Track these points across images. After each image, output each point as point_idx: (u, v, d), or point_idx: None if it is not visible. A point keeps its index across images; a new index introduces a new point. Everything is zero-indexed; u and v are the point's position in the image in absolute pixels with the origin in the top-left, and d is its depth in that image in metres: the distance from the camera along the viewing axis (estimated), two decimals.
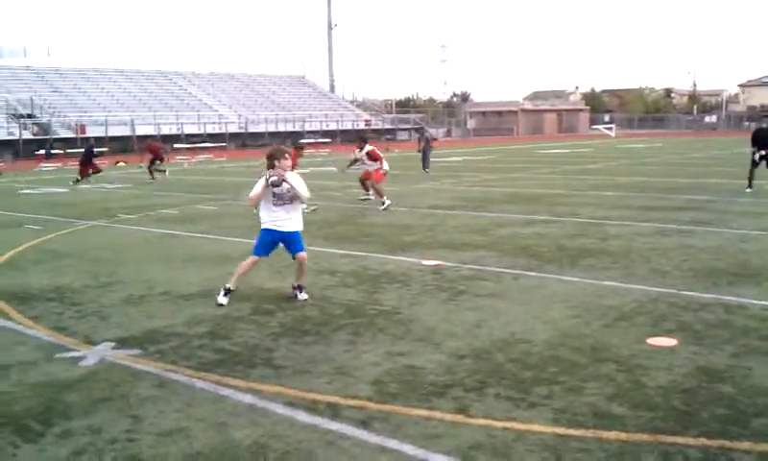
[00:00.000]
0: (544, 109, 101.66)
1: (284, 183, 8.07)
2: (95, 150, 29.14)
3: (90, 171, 26.45)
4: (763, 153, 19.21)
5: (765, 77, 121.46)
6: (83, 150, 29.05)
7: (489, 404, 5.19)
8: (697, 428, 4.72)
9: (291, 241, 8.36)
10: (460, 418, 4.96)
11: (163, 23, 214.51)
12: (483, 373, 5.82)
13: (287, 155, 8.37)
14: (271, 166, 8.18)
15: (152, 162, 27.92)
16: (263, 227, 8.37)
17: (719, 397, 5.25)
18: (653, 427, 4.74)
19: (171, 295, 8.69)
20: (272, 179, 8.03)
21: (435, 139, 30.53)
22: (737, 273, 9.27)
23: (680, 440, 4.56)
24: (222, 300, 8.17)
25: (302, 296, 8.38)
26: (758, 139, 19.49)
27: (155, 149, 28.75)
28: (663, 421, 4.85)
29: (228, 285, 8.28)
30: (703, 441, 4.54)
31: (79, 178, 26.08)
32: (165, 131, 53.38)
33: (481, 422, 4.89)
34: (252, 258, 8.35)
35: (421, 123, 75.29)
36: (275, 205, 8.24)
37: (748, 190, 19.06)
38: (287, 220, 8.28)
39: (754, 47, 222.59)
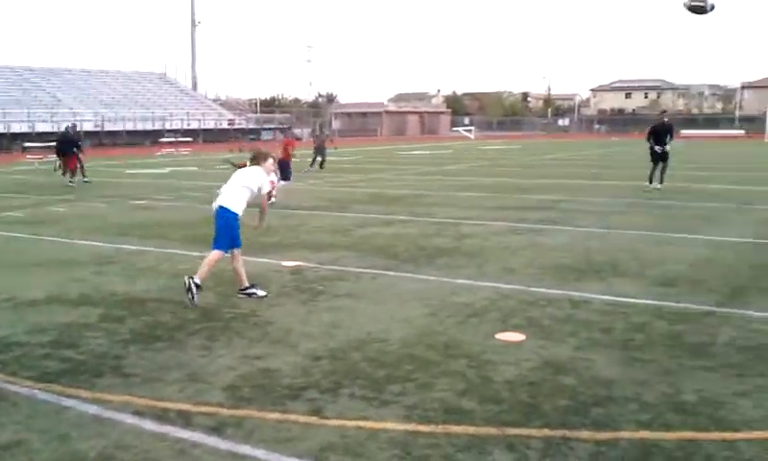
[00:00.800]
0: (407, 111, 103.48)
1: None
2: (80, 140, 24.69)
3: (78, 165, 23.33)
4: (659, 148, 19.92)
5: (615, 82, 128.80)
6: (58, 139, 23.97)
7: (343, 405, 5.21)
8: (540, 420, 4.92)
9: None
10: (314, 419, 4.96)
11: (14, 16, 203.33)
12: (338, 373, 5.84)
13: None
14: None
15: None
16: None
17: (562, 388, 5.50)
18: (499, 420, 4.91)
19: (14, 302, 8.22)
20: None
21: (325, 138, 29.86)
22: (583, 269, 9.75)
23: (524, 432, 4.74)
24: None
25: (261, 292, 8.32)
26: (655, 134, 20.24)
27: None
28: (509, 413, 5.02)
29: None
30: (545, 431, 4.74)
31: (70, 177, 22.95)
32: (15, 128, 50.67)
33: (335, 422, 4.90)
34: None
35: (290, 122, 75.00)
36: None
37: (649, 185, 19.87)
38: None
39: (605, 53, 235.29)
